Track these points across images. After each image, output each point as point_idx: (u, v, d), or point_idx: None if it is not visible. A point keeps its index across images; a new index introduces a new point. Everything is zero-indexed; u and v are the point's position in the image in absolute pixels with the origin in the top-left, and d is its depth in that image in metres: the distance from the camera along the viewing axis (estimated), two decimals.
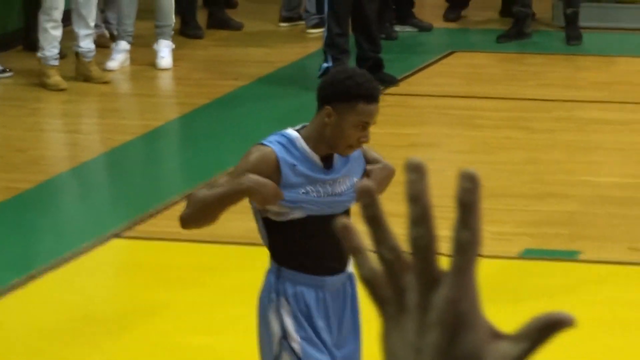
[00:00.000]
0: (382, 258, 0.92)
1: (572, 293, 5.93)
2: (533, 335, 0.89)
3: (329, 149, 4.11)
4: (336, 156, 4.08)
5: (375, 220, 0.92)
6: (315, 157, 4.07)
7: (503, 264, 6.42)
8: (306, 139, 4.10)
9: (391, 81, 8.42)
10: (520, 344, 0.89)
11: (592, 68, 9.18)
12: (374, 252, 0.92)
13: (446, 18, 9.99)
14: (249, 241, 5.80)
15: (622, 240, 6.61)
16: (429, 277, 0.90)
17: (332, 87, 4.08)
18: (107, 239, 6.77)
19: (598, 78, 8.88)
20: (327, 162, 4.05)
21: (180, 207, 5.25)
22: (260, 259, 4.76)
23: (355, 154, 4.10)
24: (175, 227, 4.84)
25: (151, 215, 6.94)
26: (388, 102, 7.75)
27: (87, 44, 8.78)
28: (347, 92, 4.04)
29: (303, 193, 4.10)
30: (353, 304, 4.18)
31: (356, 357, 4.24)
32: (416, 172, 0.91)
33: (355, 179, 4.12)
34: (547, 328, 0.89)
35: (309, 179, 3.99)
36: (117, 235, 6.80)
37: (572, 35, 9.37)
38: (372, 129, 4.64)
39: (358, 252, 0.93)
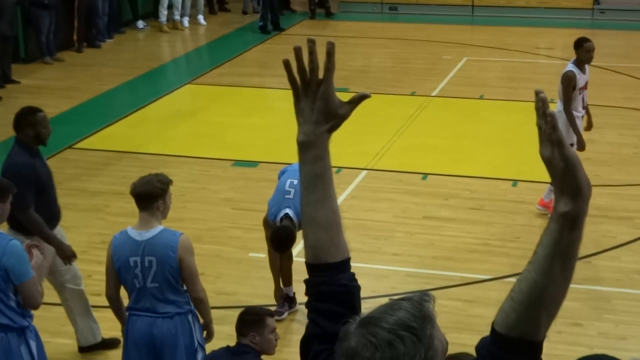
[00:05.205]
0: (302, 69, 1.76)
1: None
2: (356, 101, 1.83)
3: None
4: None
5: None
6: None
7: None
8: None
9: (282, 29, 16.84)
10: (351, 105, 1.86)
11: None
12: (303, 67, 1.75)
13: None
14: None
15: None
16: (316, 81, 1.79)
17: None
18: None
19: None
20: None
21: None
22: None
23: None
24: None
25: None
26: (281, 40, 15.31)
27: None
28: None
29: None
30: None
31: None
32: (311, 42, 1.65)
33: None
34: (360, 98, 1.81)
35: None
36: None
37: None
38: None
39: (288, 67, 1.76)
